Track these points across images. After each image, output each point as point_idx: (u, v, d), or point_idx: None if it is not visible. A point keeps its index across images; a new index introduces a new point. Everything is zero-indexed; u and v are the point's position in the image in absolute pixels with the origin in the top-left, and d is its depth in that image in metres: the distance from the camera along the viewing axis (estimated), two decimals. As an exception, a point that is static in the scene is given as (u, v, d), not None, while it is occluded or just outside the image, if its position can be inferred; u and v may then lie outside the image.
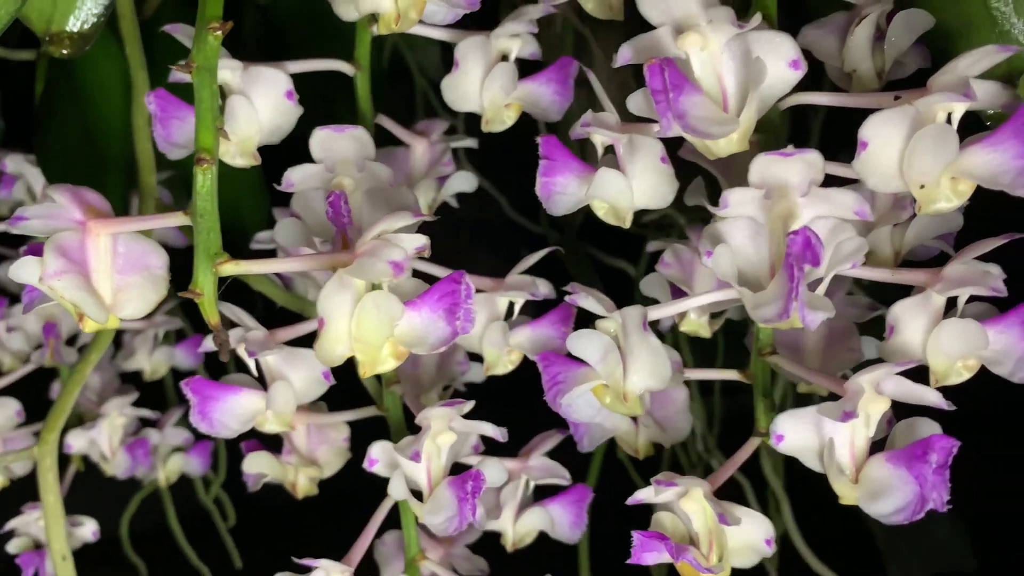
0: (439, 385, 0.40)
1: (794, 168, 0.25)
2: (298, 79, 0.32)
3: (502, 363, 0.35)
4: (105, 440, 0.48)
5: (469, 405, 0.31)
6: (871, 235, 0.32)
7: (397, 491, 0.31)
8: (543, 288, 0.34)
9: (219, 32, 0.26)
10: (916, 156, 0.26)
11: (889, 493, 0.26)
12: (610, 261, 0.70)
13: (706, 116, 0.25)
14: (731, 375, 0.33)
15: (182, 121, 0.31)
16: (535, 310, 0.38)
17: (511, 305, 0.35)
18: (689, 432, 0.36)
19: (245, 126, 0.31)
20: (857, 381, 0.26)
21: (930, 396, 0.26)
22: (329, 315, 0.24)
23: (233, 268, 0.25)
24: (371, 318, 0.24)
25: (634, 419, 0.35)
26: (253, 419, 0.32)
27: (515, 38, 0.34)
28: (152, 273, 0.27)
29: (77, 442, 0.48)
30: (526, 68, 0.36)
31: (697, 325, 0.35)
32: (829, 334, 0.33)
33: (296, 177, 0.30)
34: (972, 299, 0.29)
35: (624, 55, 0.26)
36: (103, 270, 0.27)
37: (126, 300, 0.27)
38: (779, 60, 0.26)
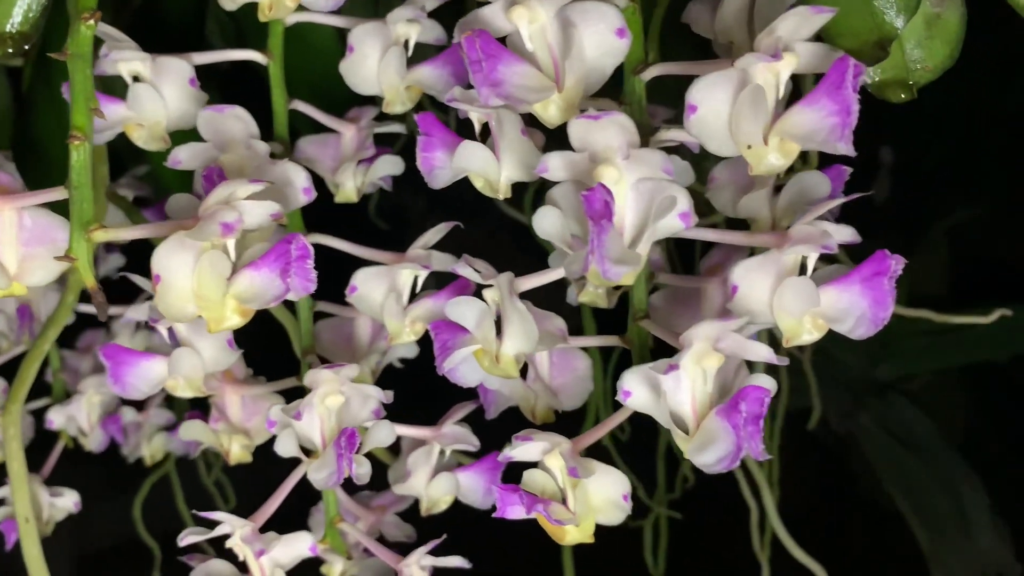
0: (371, 359, 0.42)
1: (610, 131, 0.27)
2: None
3: (404, 334, 0.37)
4: (84, 416, 0.51)
5: (354, 369, 0.33)
6: (746, 200, 0.33)
7: (283, 448, 0.33)
8: (437, 262, 0.36)
9: (91, 22, 0.28)
10: (739, 119, 0.27)
11: (713, 444, 0.26)
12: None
13: (525, 84, 0.26)
14: (611, 341, 0.34)
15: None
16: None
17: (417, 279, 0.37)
18: (586, 399, 0.37)
19: (151, 112, 0.34)
20: (688, 336, 0.27)
21: (761, 351, 0.27)
22: (167, 273, 0.26)
23: (103, 235, 0.28)
24: (206, 275, 0.26)
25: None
26: (161, 383, 0.34)
27: (412, 23, 0.36)
28: (57, 246, 0.30)
29: (58, 418, 0.51)
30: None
31: (594, 296, 0.36)
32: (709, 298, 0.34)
33: (183, 155, 0.32)
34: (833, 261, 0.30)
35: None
36: (8, 241, 0.30)
37: (31, 269, 0.30)
38: (606, 30, 0.27)
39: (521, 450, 0.31)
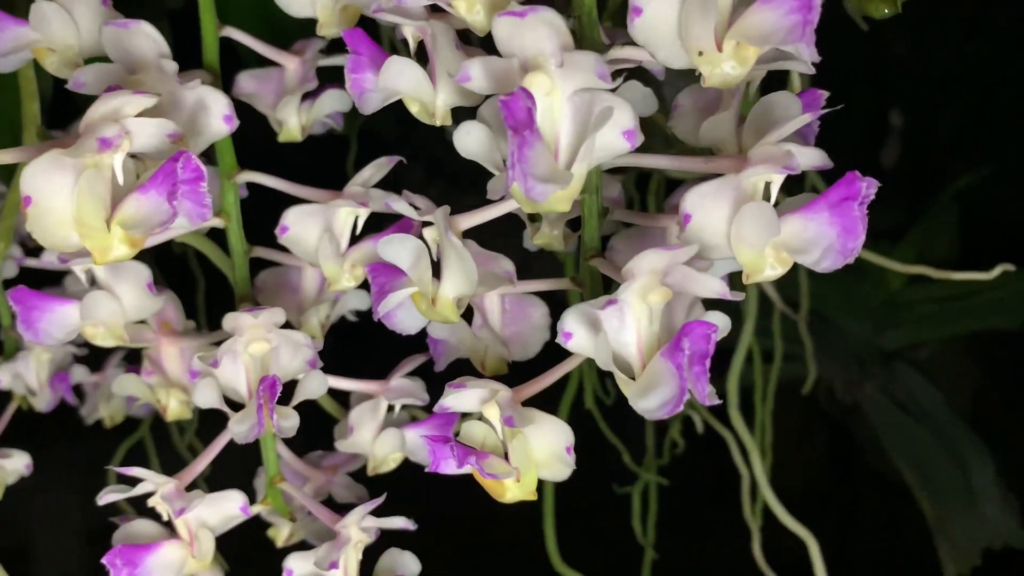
0: (320, 310, 0.39)
1: (539, 31, 0.23)
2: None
3: (343, 279, 0.34)
4: (32, 374, 0.49)
5: (278, 314, 0.31)
6: (708, 125, 0.30)
7: (201, 399, 0.31)
8: (376, 200, 0.33)
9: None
10: (688, 20, 0.24)
11: (656, 388, 0.24)
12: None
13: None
14: (563, 284, 0.31)
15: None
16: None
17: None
18: (540, 349, 0.34)
19: (60, 35, 0.31)
20: (631, 267, 0.24)
21: (713, 285, 0.24)
22: (40, 195, 0.23)
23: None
24: (85, 198, 0.23)
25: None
26: (77, 330, 0.32)
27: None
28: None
29: (5, 376, 0.49)
30: None
31: (549, 237, 0.34)
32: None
33: (87, 77, 0.29)
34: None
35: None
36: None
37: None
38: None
39: (456, 398, 0.28)
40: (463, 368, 0.34)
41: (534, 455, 0.28)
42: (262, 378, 0.30)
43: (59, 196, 0.24)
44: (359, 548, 0.33)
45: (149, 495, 0.32)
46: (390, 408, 0.37)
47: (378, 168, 0.33)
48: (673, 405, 0.23)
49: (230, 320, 0.31)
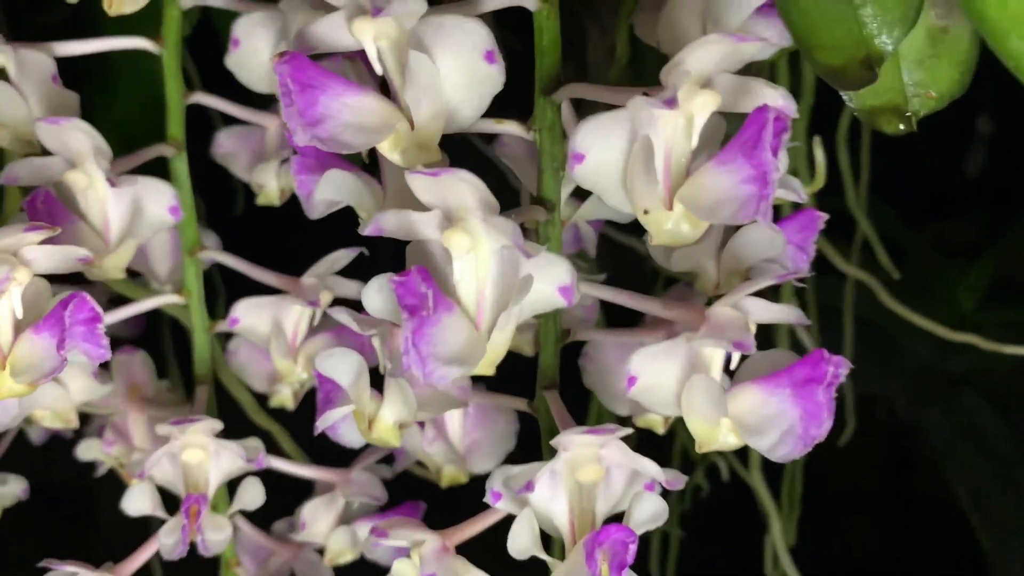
0: (293, 380, 0.37)
1: (459, 188, 0.21)
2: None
3: (296, 372, 0.32)
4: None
5: (217, 424, 0.29)
6: (691, 253, 0.27)
7: (130, 505, 0.29)
8: (325, 298, 0.31)
9: None
10: (632, 177, 0.21)
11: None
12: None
13: (357, 122, 0.21)
14: (519, 404, 0.29)
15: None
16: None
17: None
18: (499, 463, 0.32)
19: (11, 112, 0.30)
20: (559, 441, 0.21)
21: (650, 468, 0.21)
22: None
23: None
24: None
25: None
26: (24, 414, 0.31)
27: (310, 11, 0.30)
28: None
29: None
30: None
31: (519, 342, 0.31)
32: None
33: (21, 171, 0.28)
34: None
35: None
36: None
37: None
38: (471, 53, 0.21)
39: (387, 543, 0.26)
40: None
41: None
42: (186, 497, 0.28)
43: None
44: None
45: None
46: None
47: (335, 262, 0.31)
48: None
49: (162, 428, 0.29)
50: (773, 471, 0.65)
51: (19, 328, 0.23)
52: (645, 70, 0.31)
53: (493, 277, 0.21)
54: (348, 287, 0.32)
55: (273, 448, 0.41)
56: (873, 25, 0.25)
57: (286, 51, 0.20)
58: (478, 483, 0.33)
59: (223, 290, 0.42)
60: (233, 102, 0.35)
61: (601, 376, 0.30)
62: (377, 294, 0.21)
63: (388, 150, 0.21)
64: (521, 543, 0.22)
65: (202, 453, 0.29)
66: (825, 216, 0.27)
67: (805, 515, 0.68)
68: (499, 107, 0.24)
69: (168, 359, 0.44)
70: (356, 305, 0.32)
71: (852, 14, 0.25)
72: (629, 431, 0.22)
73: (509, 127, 0.26)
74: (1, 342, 0.22)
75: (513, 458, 0.34)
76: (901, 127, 0.27)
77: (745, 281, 0.24)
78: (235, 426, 0.40)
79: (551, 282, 0.22)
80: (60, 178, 0.28)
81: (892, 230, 0.95)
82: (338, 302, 0.33)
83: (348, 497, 0.34)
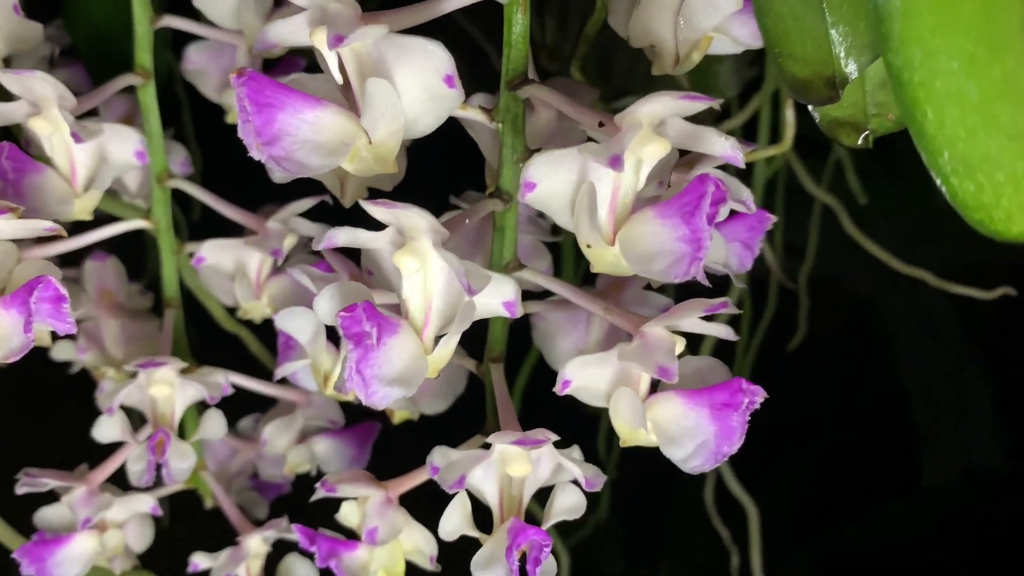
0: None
1: (411, 213, 0.21)
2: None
3: (259, 309, 0.34)
4: None
5: (176, 364, 0.31)
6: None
7: (100, 432, 0.31)
8: (288, 240, 0.32)
9: None
10: (578, 213, 0.22)
11: (491, 568, 0.24)
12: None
13: (316, 140, 0.21)
14: (468, 365, 0.30)
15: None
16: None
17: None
18: (449, 405, 0.34)
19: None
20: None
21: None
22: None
23: None
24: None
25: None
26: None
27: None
28: None
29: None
30: None
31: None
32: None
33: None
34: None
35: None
36: None
37: None
38: (431, 75, 0.21)
39: (337, 496, 0.28)
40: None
41: (403, 548, 0.28)
42: (151, 435, 0.30)
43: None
44: (260, 557, 0.35)
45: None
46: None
47: (299, 207, 0.32)
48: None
49: (130, 368, 0.31)
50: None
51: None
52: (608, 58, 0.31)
53: (440, 293, 0.22)
54: (311, 229, 0.33)
55: (241, 350, 0.43)
56: (842, 47, 0.25)
57: (244, 68, 0.20)
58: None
59: (199, 207, 0.42)
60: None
61: (547, 337, 0.32)
62: (328, 302, 0.23)
63: (346, 162, 0.22)
64: (451, 525, 0.24)
65: (168, 389, 0.31)
66: (773, 219, 0.28)
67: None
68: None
69: (147, 261, 0.45)
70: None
71: (824, 31, 0.25)
72: (557, 438, 0.24)
73: (473, 114, 0.26)
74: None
75: (462, 402, 0.36)
76: (857, 143, 0.27)
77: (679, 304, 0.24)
78: (204, 329, 0.42)
79: (497, 297, 0.23)
80: (25, 122, 0.28)
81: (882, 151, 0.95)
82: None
83: (307, 420, 0.37)
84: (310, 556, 0.36)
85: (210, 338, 0.42)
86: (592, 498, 0.24)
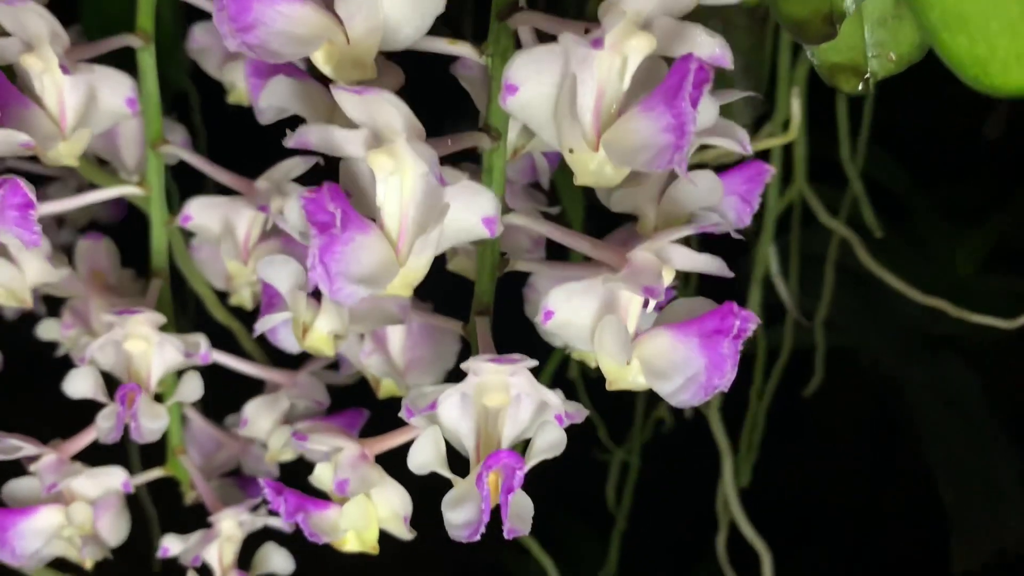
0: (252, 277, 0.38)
1: (385, 108, 0.21)
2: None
3: (246, 273, 0.33)
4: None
5: (155, 317, 0.30)
6: (622, 194, 0.27)
7: (71, 386, 0.30)
8: (277, 203, 0.31)
9: None
10: (560, 115, 0.21)
11: (465, 504, 0.22)
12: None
13: (291, 32, 0.21)
14: (454, 326, 0.29)
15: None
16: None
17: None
18: (437, 380, 0.32)
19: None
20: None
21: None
22: None
23: None
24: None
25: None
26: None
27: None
28: None
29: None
30: None
31: (465, 264, 0.31)
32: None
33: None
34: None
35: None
36: None
37: None
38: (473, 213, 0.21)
39: (308, 446, 0.27)
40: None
41: (377, 512, 0.27)
42: (123, 385, 0.29)
43: None
44: (233, 542, 0.33)
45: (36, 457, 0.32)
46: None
47: (291, 168, 0.31)
48: (472, 530, 0.22)
49: (107, 316, 0.30)
50: (734, 412, 0.66)
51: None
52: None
53: (416, 201, 0.21)
54: (301, 192, 0.32)
55: (233, 345, 0.42)
56: (835, -20, 0.24)
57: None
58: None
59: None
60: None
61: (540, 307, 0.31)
62: (299, 210, 0.22)
63: (321, 62, 0.21)
64: (422, 458, 0.23)
65: (144, 344, 0.30)
66: (772, 170, 0.27)
67: (766, 459, 0.70)
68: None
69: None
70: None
71: (819, -34, 0.25)
72: (535, 363, 0.22)
73: (462, 49, 0.25)
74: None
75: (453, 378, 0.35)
76: (857, 87, 0.26)
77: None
78: (199, 322, 0.41)
79: (475, 212, 0.22)
80: (16, 60, 0.28)
81: (898, 187, 0.94)
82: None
83: (292, 399, 0.35)
84: (287, 544, 0.35)
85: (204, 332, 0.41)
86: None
